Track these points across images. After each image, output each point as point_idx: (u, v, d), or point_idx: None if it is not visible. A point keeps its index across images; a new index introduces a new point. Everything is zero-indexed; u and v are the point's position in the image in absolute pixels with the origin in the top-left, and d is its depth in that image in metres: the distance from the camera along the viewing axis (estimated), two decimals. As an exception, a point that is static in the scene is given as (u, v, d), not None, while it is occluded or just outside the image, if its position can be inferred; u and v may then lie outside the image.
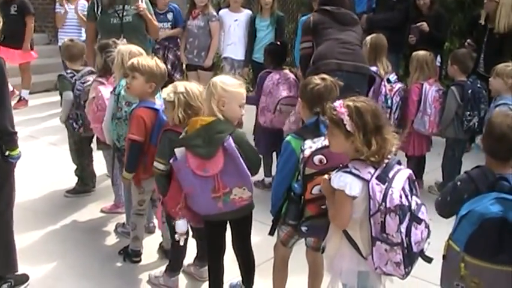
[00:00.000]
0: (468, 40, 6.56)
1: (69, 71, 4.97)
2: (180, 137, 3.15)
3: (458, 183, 2.69)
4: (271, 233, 3.19)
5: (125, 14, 5.53)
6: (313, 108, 3.06)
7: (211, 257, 3.45)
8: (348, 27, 4.80)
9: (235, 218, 3.29)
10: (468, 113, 5.00)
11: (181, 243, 3.41)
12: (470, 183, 2.64)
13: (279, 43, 5.63)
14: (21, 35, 8.07)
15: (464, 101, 5.01)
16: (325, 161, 2.80)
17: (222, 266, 3.44)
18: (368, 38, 5.40)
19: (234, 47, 7.04)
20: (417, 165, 5.51)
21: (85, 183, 5.22)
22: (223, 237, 3.38)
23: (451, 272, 2.57)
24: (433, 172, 5.63)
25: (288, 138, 3.06)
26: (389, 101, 5.12)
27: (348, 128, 2.53)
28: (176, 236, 3.32)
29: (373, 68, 5.21)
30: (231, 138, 3.06)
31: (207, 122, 3.10)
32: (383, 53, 5.38)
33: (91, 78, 4.72)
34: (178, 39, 7.19)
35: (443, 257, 2.60)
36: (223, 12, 7.10)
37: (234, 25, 7.00)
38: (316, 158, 2.82)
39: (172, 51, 6.86)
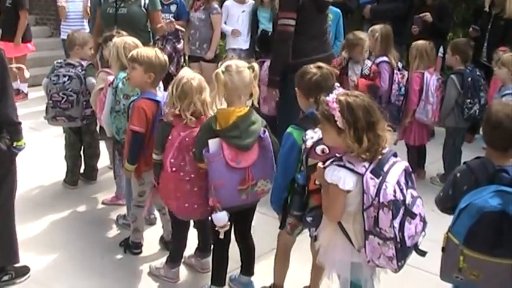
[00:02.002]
0: (472, 25, 6.51)
1: (60, 60, 5.04)
2: (216, 128, 3.10)
3: (458, 174, 2.68)
4: (281, 227, 3.18)
5: (122, 5, 5.45)
6: (311, 97, 3.06)
7: (218, 247, 3.45)
8: (324, 13, 4.81)
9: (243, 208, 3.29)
10: (469, 100, 4.99)
11: (222, 236, 3.29)
12: (470, 174, 2.63)
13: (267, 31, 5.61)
14: (15, 28, 8.03)
15: (464, 88, 5.00)
16: (327, 151, 2.78)
17: (227, 257, 3.46)
18: (377, 28, 5.38)
19: (242, 38, 7.15)
20: (418, 155, 5.51)
21: (73, 174, 5.23)
22: (231, 227, 3.39)
23: (450, 264, 2.56)
24: (435, 163, 5.62)
25: (289, 129, 3.04)
26: (402, 89, 5.13)
27: (339, 124, 2.50)
28: (217, 229, 3.26)
29: (384, 58, 5.25)
30: (265, 130, 3.11)
31: (243, 112, 3.10)
32: (392, 43, 5.39)
33: (63, 70, 4.80)
34: (179, 32, 7.18)
35: (443, 249, 2.59)
36: (230, 3, 7.14)
37: (242, 16, 7.09)
38: (319, 148, 2.80)
39: (171, 43, 6.83)
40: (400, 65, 5.34)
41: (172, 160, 3.32)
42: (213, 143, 3.08)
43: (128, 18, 5.37)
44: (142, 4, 5.49)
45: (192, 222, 3.72)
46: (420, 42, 5.29)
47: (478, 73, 5.10)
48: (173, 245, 3.81)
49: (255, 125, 3.13)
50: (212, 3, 6.96)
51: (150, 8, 5.52)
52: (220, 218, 3.18)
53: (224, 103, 3.21)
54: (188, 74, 3.37)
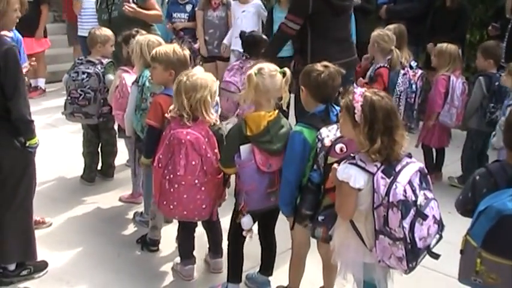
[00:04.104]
0: (492, 23, 6.45)
1: (81, 57, 5.10)
2: (247, 134, 3.12)
3: (477, 177, 2.67)
4: (292, 228, 3.18)
5: (113, 8, 5.45)
6: (318, 96, 3.07)
7: (233, 244, 3.47)
8: (343, 16, 4.68)
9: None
10: (492, 105, 4.94)
11: (249, 238, 3.35)
12: (489, 177, 2.62)
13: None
14: (36, 23, 8.06)
15: (490, 92, 4.96)
16: (345, 149, 2.79)
17: (242, 254, 3.49)
18: (391, 27, 5.35)
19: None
20: (436, 157, 5.48)
21: (90, 170, 5.28)
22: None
23: (468, 267, 2.55)
24: (452, 165, 5.60)
25: (298, 128, 3.03)
26: (413, 86, 5.10)
27: (356, 118, 2.52)
28: (244, 233, 3.30)
29: None
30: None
31: (273, 117, 3.13)
32: (405, 42, 5.36)
33: (82, 67, 4.84)
34: (196, 32, 7.12)
35: (461, 251, 2.58)
36: (233, 3, 6.94)
37: (241, 17, 6.77)
38: (338, 147, 2.81)
39: (187, 43, 6.78)
40: (413, 63, 5.28)
41: (160, 156, 3.37)
42: (244, 149, 3.09)
43: (120, 20, 5.31)
44: (131, 0, 5.42)
45: (200, 222, 3.72)
46: (452, 46, 5.21)
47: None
48: (178, 244, 3.84)
49: (284, 128, 3.16)
50: None
51: (140, 2, 5.43)
52: (246, 222, 3.22)
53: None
54: (189, 72, 3.39)
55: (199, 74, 3.39)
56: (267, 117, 3.11)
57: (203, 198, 3.36)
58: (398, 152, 2.55)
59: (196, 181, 3.32)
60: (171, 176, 3.33)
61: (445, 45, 5.28)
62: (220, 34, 6.92)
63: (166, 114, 3.44)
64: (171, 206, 3.38)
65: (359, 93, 2.55)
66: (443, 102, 5.12)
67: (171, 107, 3.38)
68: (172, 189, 3.34)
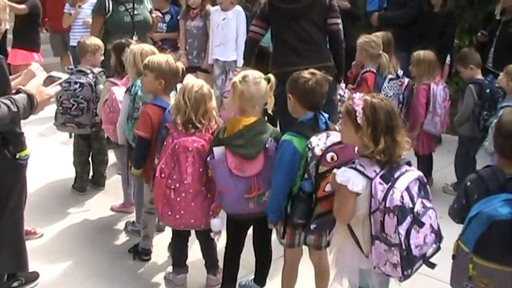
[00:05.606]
0: (481, 30, 6.48)
1: (71, 66, 5.13)
2: (223, 136, 3.14)
3: (468, 183, 2.69)
4: (283, 236, 3.17)
5: (135, 12, 5.60)
6: (306, 103, 3.06)
7: (230, 254, 3.47)
8: (298, 20, 4.51)
9: (261, 217, 3.26)
10: (485, 112, 4.92)
11: (217, 242, 3.42)
12: (480, 183, 2.64)
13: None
14: (26, 36, 7.97)
15: (482, 99, 4.95)
16: (336, 158, 2.79)
17: (238, 265, 3.48)
18: (378, 34, 5.34)
19: (222, 48, 6.61)
20: (426, 163, 5.49)
21: (82, 180, 5.26)
22: (245, 235, 3.41)
23: (460, 272, 2.57)
24: (442, 170, 5.61)
25: (288, 137, 3.01)
26: (400, 96, 5.10)
27: (359, 120, 2.54)
28: (212, 234, 3.34)
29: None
30: (273, 141, 3.11)
31: (249, 122, 3.13)
32: (392, 50, 5.34)
33: (74, 77, 4.81)
34: (177, 41, 7.02)
35: (453, 257, 2.60)
36: (213, 10, 6.72)
37: (222, 24, 6.55)
38: (328, 156, 2.80)
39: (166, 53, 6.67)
40: (400, 72, 5.20)
41: (162, 166, 3.36)
42: (217, 151, 3.11)
43: (144, 25, 5.60)
44: (148, 8, 5.78)
45: (194, 233, 3.71)
46: (429, 53, 5.18)
47: (497, 84, 4.99)
48: (172, 252, 3.83)
49: (262, 135, 3.14)
50: (207, 7, 6.75)
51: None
52: (215, 224, 3.28)
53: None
54: (195, 82, 3.41)
55: (202, 81, 3.47)
56: (244, 121, 3.12)
57: (209, 205, 3.37)
58: (399, 153, 2.57)
59: (203, 188, 3.34)
60: (177, 185, 3.32)
61: (421, 53, 5.22)
62: (198, 44, 6.79)
63: (173, 128, 3.41)
64: (178, 216, 3.37)
65: (358, 97, 2.59)
66: (425, 111, 5.11)
67: (178, 118, 3.34)
68: (179, 198, 3.33)
